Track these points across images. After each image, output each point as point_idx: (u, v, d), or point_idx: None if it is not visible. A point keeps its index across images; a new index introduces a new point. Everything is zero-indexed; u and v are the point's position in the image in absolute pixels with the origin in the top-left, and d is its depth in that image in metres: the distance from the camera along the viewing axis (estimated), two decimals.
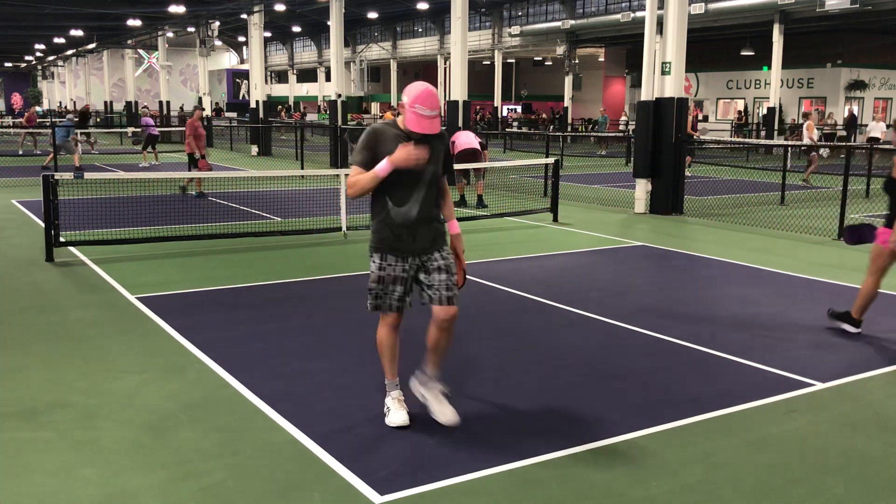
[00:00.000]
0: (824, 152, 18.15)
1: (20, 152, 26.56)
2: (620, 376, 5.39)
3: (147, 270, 8.69)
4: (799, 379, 5.31)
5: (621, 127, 36.46)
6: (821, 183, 18.84)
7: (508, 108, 48.32)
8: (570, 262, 9.48)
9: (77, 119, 24.44)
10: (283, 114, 47.04)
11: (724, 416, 4.66)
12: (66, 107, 59.35)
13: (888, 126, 25.28)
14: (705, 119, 37.40)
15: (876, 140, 23.13)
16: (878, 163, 19.36)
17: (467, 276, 5.01)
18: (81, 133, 24.42)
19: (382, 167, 4.10)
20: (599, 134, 32.87)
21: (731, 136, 33.01)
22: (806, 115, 21.00)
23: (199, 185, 15.42)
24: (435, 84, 48.96)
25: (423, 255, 4.30)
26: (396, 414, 4.43)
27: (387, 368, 4.54)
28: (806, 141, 19.22)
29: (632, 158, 17.57)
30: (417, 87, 4.12)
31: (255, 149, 28.12)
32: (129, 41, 44.96)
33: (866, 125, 27.73)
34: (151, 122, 24.39)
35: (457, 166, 13.06)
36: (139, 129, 24.52)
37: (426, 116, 4.08)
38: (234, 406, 4.77)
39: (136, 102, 46.54)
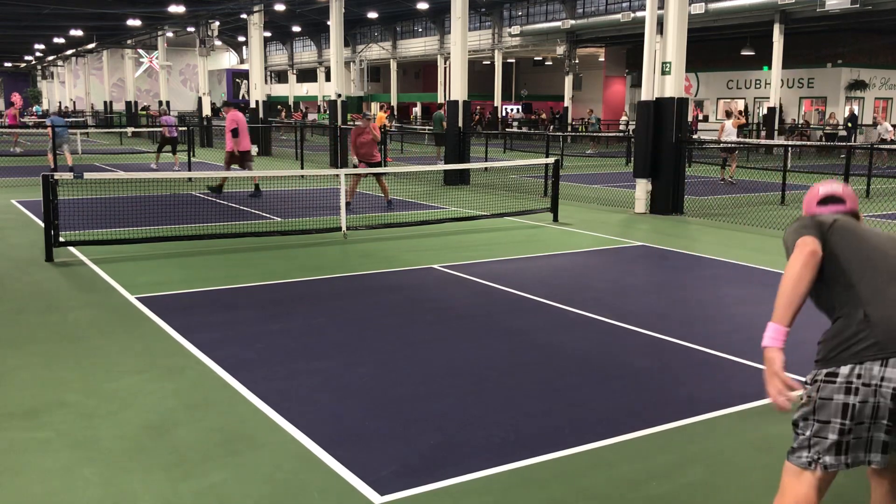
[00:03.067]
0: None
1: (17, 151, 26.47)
2: (620, 376, 5.38)
3: (147, 270, 8.69)
4: (799, 379, 5.30)
5: (621, 127, 36.45)
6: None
7: (508, 109, 48.30)
8: (570, 262, 9.47)
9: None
10: (282, 114, 46.91)
11: (724, 416, 4.65)
12: (66, 106, 59.40)
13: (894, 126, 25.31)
14: (706, 119, 37.41)
15: (885, 141, 23.16)
16: (881, 163, 19.35)
17: None
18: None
19: None
20: (599, 134, 32.85)
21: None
22: (728, 113, 20.91)
23: (350, 193, 13.88)
24: (434, 84, 49.16)
25: None
26: None
27: None
28: (726, 137, 19.08)
29: (632, 158, 17.56)
30: None
31: (254, 149, 28.08)
32: (129, 41, 44.95)
33: (873, 125, 27.76)
34: (173, 121, 22.71)
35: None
36: (161, 129, 22.98)
37: None
38: (234, 406, 4.76)
39: (136, 102, 46.53)
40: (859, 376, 2.68)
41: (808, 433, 2.78)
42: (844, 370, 2.70)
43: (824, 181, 3.25)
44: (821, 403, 2.74)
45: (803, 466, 2.77)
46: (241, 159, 15.52)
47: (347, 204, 13.79)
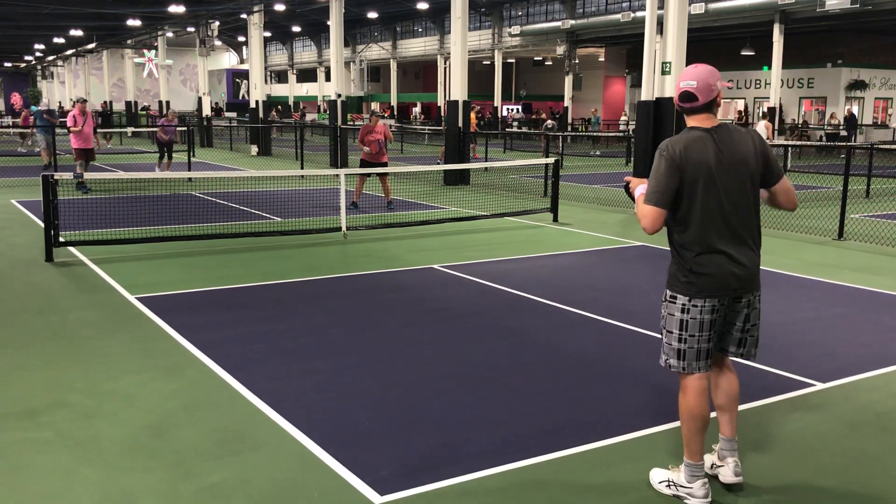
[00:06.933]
0: None
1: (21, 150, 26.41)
2: (620, 376, 5.38)
3: (147, 270, 8.69)
4: (799, 379, 5.31)
5: (622, 127, 36.45)
6: (821, 183, 18.84)
7: (509, 108, 48.26)
8: (570, 262, 9.48)
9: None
10: (274, 114, 46.32)
11: None
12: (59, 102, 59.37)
13: None
14: None
15: None
16: (877, 163, 19.35)
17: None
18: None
19: None
20: (597, 134, 32.83)
21: None
22: (763, 114, 21.04)
23: (357, 193, 13.97)
24: (434, 84, 49.14)
25: None
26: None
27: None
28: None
29: (632, 158, 17.55)
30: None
31: (254, 149, 28.12)
32: (129, 41, 44.95)
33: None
34: (164, 123, 20.91)
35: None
36: (157, 130, 21.70)
37: None
38: (234, 406, 4.76)
39: (136, 102, 46.52)
40: None
41: None
42: None
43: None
44: None
45: None
46: (90, 154, 16.69)
47: (355, 204, 13.83)
